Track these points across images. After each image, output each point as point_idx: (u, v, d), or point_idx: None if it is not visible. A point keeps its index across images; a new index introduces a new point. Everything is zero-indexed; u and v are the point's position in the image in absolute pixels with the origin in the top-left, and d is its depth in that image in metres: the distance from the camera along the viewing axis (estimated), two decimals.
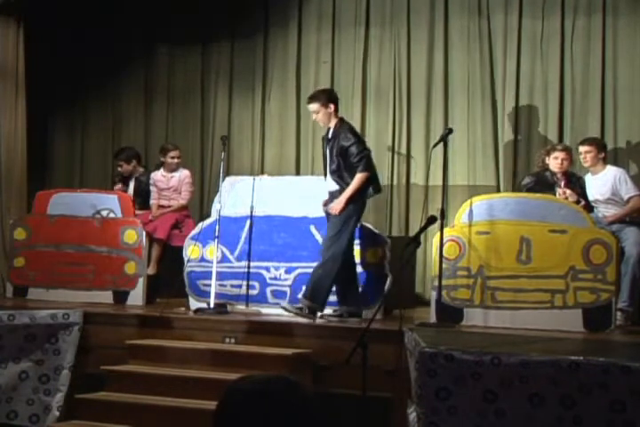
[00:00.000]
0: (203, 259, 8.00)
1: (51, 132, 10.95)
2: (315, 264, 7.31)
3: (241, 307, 7.80)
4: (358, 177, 7.17)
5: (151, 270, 8.54)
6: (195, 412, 6.24)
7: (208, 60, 10.43)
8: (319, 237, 7.59)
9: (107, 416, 6.50)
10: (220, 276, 7.81)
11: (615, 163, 8.34)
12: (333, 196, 7.32)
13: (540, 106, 9.04)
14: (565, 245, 6.96)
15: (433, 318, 7.18)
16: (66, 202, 8.66)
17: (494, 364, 5.15)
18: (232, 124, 10.26)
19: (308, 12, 10.01)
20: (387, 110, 9.56)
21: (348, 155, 7.19)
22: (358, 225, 7.46)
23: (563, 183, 7.57)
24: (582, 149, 7.82)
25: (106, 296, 8.36)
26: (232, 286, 7.89)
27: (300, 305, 7.17)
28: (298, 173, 9.76)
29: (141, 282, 8.33)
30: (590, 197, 7.63)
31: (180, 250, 8.20)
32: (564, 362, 5.07)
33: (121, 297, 8.34)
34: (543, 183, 7.70)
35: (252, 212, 7.85)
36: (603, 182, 7.75)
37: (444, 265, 7.12)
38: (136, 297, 8.29)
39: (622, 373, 4.97)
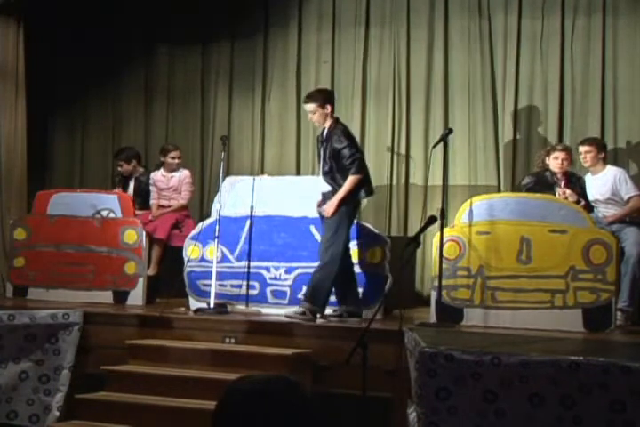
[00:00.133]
0: (203, 259, 8.00)
1: (51, 132, 10.95)
2: (315, 264, 7.31)
3: (241, 307, 7.81)
4: (350, 179, 7.18)
5: (152, 271, 8.54)
6: (195, 412, 6.24)
7: (208, 60, 10.43)
8: (319, 238, 7.58)
9: (107, 416, 6.50)
10: (220, 276, 7.81)
11: (615, 163, 8.34)
12: (326, 197, 7.32)
13: (540, 106, 9.04)
14: (565, 245, 6.96)
15: (433, 318, 7.18)
16: (66, 202, 8.66)
17: (494, 364, 5.15)
18: (232, 124, 10.26)
19: (308, 11, 10.01)
20: (386, 110, 9.56)
21: (340, 157, 7.20)
22: (355, 223, 7.47)
23: (563, 183, 7.56)
24: (582, 148, 7.81)
25: (106, 296, 8.36)
26: (232, 285, 7.89)
27: (300, 309, 7.17)
28: (298, 173, 9.76)
29: (141, 282, 8.33)
30: (590, 197, 7.63)
31: (179, 250, 8.20)
32: (564, 362, 5.07)
33: (121, 297, 8.34)
34: (543, 183, 7.70)
35: (251, 212, 7.86)
36: (603, 182, 7.74)
37: (444, 265, 7.12)
38: (136, 297, 8.29)
39: (622, 373, 4.97)
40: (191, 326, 7.41)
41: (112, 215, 8.50)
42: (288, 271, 7.77)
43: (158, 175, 9.00)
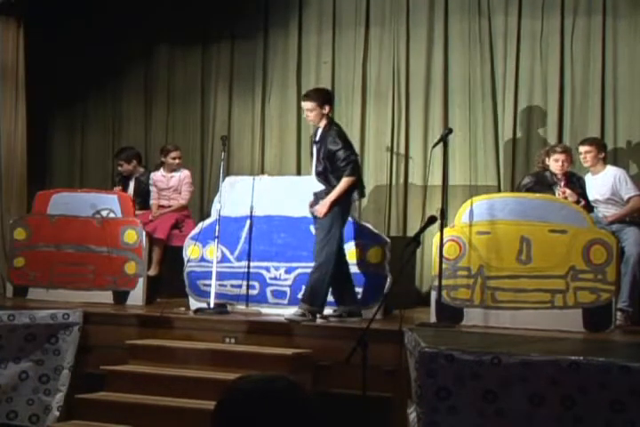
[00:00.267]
0: (203, 259, 8.00)
1: (51, 132, 10.94)
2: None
3: (241, 307, 7.80)
4: (344, 181, 7.18)
5: (152, 271, 8.54)
6: (195, 412, 6.24)
7: (208, 60, 10.42)
8: None
9: (107, 416, 6.51)
10: (220, 276, 7.81)
11: (615, 163, 8.33)
12: (318, 197, 7.32)
13: (540, 106, 9.03)
14: (565, 245, 6.96)
15: (433, 318, 7.18)
16: (66, 202, 8.65)
17: (494, 364, 5.15)
18: (232, 124, 10.25)
19: (308, 11, 10.00)
20: (386, 110, 9.55)
21: (335, 159, 7.21)
22: (354, 224, 7.49)
23: (563, 183, 7.56)
24: (582, 149, 7.81)
25: (106, 296, 8.36)
26: (232, 285, 7.89)
27: (300, 311, 7.17)
28: (298, 173, 9.75)
29: (141, 282, 8.32)
30: (590, 197, 7.63)
31: (179, 250, 8.20)
32: (564, 362, 5.07)
33: (121, 297, 8.34)
34: (543, 183, 7.70)
35: (251, 212, 7.85)
36: (603, 182, 7.74)
37: (444, 265, 7.12)
38: (136, 297, 8.29)
39: (622, 373, 4.97)
40: (191, 326, 7.41)
41: (112, 215, 8.50)
42: (288, 271, 7.77)
43: (158, 175, 9.00)
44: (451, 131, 7.77)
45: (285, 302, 7.72)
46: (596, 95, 8.79)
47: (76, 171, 10.84)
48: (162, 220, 8.74)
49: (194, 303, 7.93)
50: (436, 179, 8.50)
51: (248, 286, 7.78)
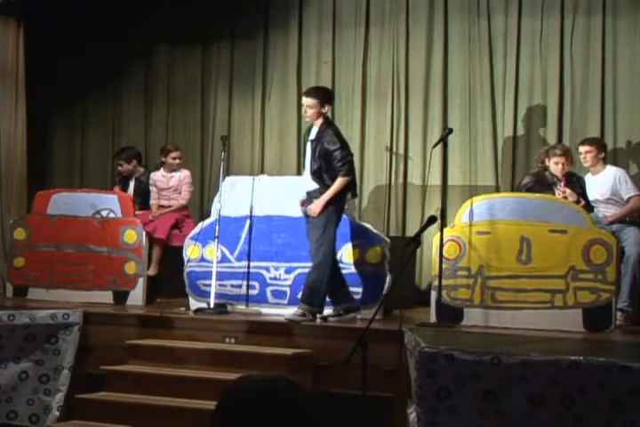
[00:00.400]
0: (203, 259, 8.00)
1: (51, 132, 10.94)
2: None
3: (241, 307, 7.80)
4: (339, 181, 7.18)
5: (152, 271, 8.54)
6: (195, 412, 6.24)
7: (208, 59, 10.42)
8: None
9: (107, 416, 6.51)
10: (220, 276, 7.81)
11: (615, 163, 8.33)
12: (311, 196, 7.31)
13: (539, 106, 9.03)
14: (565, 245, 6.96)
15: (433, 318, 7.18)
16: (66, 202, 8.65)
17: (494, 364, 5.15)
18: (232, 124, 10.25)
19: (308, 11, 10.00)
20: (386, 110, 9.55)
21: (331, 158, 7.20)
22: (354, 224, 7.49)
23: (563, 183, 7.56)
24: (582, 149, 7.81)
25: (106, 296, 8.36)
26: (232, 285, 7.89)
27: (299, 311, 7.17)
28: (298, 173, 9.74)
29: (141, 282, 8.32)
30: (590, 197, 7.63)
31: (179, 250, 8.20)
32: (564, 362, 5.07)
33: (121, 297, 8.34)
34: (543, 183, 7.70)
35: (251, 212, 7.85)
36: (603, 182, 7.74)
37: (444, 265, 7.12)
38: (136, 297, 8.29)
39: (622, 373, 4.97)
40: (191, 326, 7.41)
41: (112, 215, 8.50)
42: (288, 271, 7.77)
43: (158, 175, 9.00)
44: (451, 131, 7.77)
45: (285, 302, 7.72)
46: (596, 95, 8.80)
47: (75, 171, 10.84)
48: (162, 220, 8.74)
49: (194, 303, 7.93)
50: (435, 179, 8.49)
51: (248, 286, 7.78)
